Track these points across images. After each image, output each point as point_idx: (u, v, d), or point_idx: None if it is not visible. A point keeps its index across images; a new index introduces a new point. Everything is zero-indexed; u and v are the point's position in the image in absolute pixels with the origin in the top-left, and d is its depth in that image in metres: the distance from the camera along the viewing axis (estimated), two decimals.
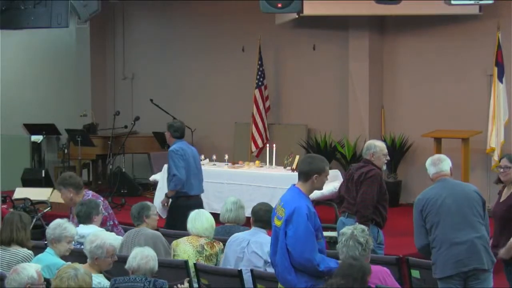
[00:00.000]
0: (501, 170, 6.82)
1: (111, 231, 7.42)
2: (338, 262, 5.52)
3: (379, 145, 7.83)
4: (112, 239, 6.01)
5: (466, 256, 6.01)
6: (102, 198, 7.83)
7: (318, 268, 5.40)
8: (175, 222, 8.62)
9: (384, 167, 7.92)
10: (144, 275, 5.74)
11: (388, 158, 7.88)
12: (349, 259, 5.42)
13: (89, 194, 7.76)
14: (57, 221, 6.49)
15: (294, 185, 5.59)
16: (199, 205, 8.63)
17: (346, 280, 5.07)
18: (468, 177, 10.99)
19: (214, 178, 10.82)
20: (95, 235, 6.02)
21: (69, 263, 5.99)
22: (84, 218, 7.18)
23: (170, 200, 8.99)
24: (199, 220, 6.95)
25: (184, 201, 8.82)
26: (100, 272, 5.94)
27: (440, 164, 6.29)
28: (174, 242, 6.98)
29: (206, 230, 6.93)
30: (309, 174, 5.51)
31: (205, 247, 6.84)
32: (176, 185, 8.89)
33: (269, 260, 6.47)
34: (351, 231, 5.71)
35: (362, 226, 5.87)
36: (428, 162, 6.37)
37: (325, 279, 5.48)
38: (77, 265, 5.28)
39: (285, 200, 5.54)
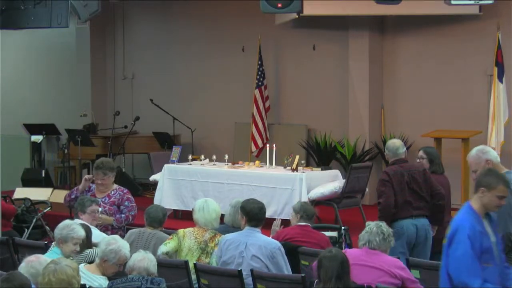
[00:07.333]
0: (418, 160, 7.85)
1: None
2: None
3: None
4: (128, 249, 5.97)
5: None
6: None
7: None
8: None
9: None
10: (139, 273, 5.68)
11: None
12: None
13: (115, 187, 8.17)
14: (66, 221, 6.39)
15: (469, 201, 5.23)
16: None
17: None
18: (468, 177, 10.96)
19: (214, 178, 10.79)
20: (115, 239, 5.99)
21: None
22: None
23: None
24: (207, 211, 6.95)
25: None
26: (103, 275, 5.92)
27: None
28: (181, 231, 6.93)
29: (214, 220, 6.95)
30: (477, 186, 5.11)
31: (208, 243, 6.84)
32: None
33: (271, 263, 6.44)
34: (376, 222, 5.90)
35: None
36: (486, 149, 5.89)
37: None
38: (61, 259, 5.15)
39: (454, 218, 5.18)
